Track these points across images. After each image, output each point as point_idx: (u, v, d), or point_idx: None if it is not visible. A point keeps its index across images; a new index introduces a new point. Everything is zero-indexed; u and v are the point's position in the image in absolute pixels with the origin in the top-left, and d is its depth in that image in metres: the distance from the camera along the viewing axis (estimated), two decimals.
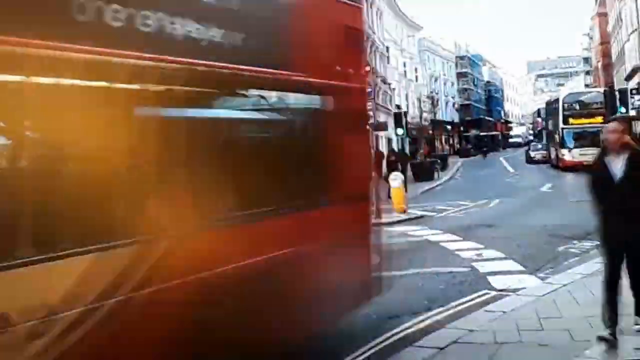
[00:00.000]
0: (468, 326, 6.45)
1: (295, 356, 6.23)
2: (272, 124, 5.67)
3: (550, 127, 45.83)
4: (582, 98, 40.90)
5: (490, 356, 5.41)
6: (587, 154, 36.05)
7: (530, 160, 50.78)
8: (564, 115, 38.90)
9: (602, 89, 41.43)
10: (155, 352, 4.00)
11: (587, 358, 5.13)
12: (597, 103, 37.14)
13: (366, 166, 6.84)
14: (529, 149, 55.31)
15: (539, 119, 56.94)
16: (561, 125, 38.80)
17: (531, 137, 74.98)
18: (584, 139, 37.12)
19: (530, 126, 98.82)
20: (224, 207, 4.65)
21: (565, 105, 39.71)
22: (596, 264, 9.18)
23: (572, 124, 38.32)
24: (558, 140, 39.51)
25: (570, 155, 37.23)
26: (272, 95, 5.47)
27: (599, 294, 7.26)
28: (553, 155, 42.33)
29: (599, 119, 36.33)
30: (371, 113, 19.86)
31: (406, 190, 27.28)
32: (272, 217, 5.05)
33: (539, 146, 53.28)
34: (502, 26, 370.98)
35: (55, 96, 3.69)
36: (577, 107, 39.28)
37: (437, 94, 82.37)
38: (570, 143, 37.76)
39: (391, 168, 29.87)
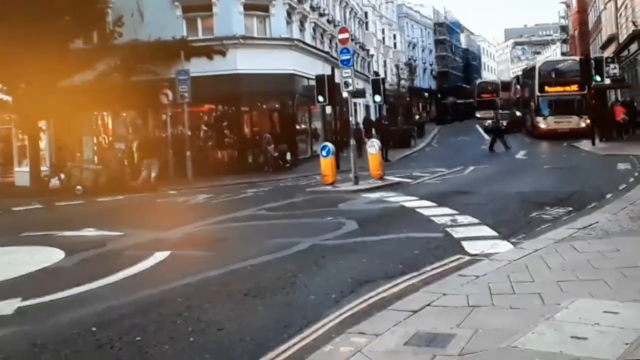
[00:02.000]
0: (442, 290, 6.55)
1: (271, 312, 6.34)
2: None
3: (526, 94, 45.96)
4: (558, 66, 41.07)
5: (462, 319, 5.51)
6: (562, 122, 36.42)
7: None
8: (539, 83, 39.03)
9: (578, 58, 41.49)
10: None
11: (558, 321, 5.24)
12: (572, 71, 37.27)
13: None
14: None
15: (518, 87, 56.43)
16: (537, 93, 38.95)
17: None
18: (559, 107, 37.39)
19: None
20: None
21: (542, 73, 39.84)
22: (567, 230, 9.38)
23: (547, 92, 38.49)
24: (533, 108, 39.69)
25: (545, 122, 37.51)
26: None
27: (569, 259, 7.44)
28: (528, 123, 42.53)
29: (575, 87, 36.54)
30: (350, 80, 19.81)
31: (387, 159, 27.43)
32: None
33: (509, 113, 50.32)
34: None
35: None
36: (553, 75, 39.47)
37: (415, 61, 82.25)
38: (546, 111, 37.99)
39: (368, 135, 29.96)
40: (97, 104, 27.67)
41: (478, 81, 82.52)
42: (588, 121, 33.56)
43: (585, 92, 34.02)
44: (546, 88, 38.77)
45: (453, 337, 5.08)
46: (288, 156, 28.98)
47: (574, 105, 36.81)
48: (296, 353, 5.26)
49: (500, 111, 52.13)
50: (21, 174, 27.79)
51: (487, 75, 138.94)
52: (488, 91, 70.86)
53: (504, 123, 43.06)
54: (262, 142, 28.62)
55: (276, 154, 28.33)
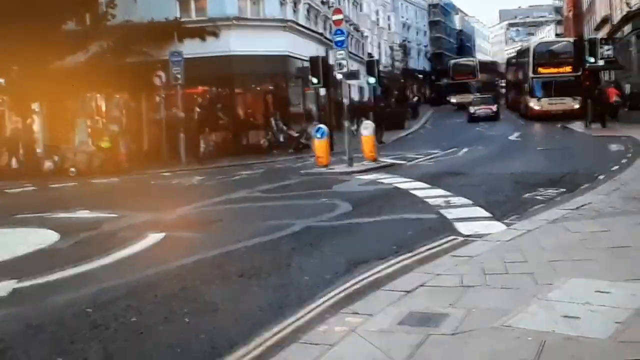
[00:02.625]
0: (435, 270, 6.58)
1: (266, 293, 6.38)
2: None
3: (520, 76, 45.90)
4: (552, 47, 41.02)
5: (456, 299, 5.56)
6: (555, 103, 36.44)
7: (471, 118, 43.02)
8: (534, 64, 39.00)
9: (572, 39, 41.46)
10: None
11: (550, 300, 5.29)
12: (566, 53, 37.29)
13: None
14: (472, 103, 45.12)
15: (513, 67, 55.66)
16: (531, 74, 38.93)
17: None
18: (552, 88, 37.39)
19: None
20: None
21: (536, 54, 39.79)
22: (560, 211, 9.43)
23: (541, 73, 38.47)
24: (527, 90, 39.68)
25: (538, 104, 37.53)
26: None
27: (562, 240, 7.49)
28: (522, 105, 42.52)
29: (568, 68, 36.56)
30: (344, 61, 19.76)
31: (381, 141, 27.44)
32: None
33: (488, 98, 46.20)
34: None
35: None
36: (547, 56, 39.43)
37: (409, 42, 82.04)
38: (539, 92, 37.99)
39: (362, 117, 29.91)
40: (90, 86, 27.54)
41: (452, 61, 73.79)
42: (581, 102, 33.77)
43: (579, 73, 34.09)
44: (540, 69, 38.83)
45: (446, 316, 5.12)
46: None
47: (567, 87, 36.77)
48: (291, 333, 5.30)
49: (481, 95, 51.09)
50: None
51: (481, 57, 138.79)
52: (463, 72, 65.03)
53: (493, 108, 43.24)
54: (274, 122, 28.41)
55: (297, 134, 28.16)
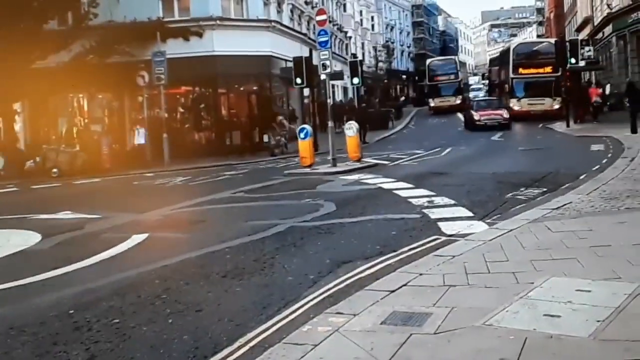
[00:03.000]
0: (418, 270, 6.61)
1: (250, 293, 6.38)
2: None
3: (501, 77, 46.13)
4: (533, 48, 41.29)
5: (439, 298, 5.59)
6: (535, 104, 36.66)
7: (474, 126, 34.12)
8: (514, 65, 39.20)
9: (552, 40, 41.79)
10: None
11: (531, 299, 5.34)
12: (547, 53, 37.53)
13: None
14: (473, 107, 37.06)
15: (495, 68, 55.07)
16: (511, 74, 39.16)
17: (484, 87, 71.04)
18: (532, 88, 37.63)
19: (480, 77, 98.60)
20: None
21: (516, 55, 40.04)
22: (541, 211, 9.50)
23: (521, 74, 38.69)
24: (507, 90, 39.88)
25: (518, 104, 37.70)
26: None
27: (543, 239, 7.55)
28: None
29: (549, 69, 36.85)
30: (328, 62, 19.78)
31: (365, 142, 27.47)
32: None
33: (494, 101, 39.20)
34: None
35: None
36: (528, 57, 39.67)
37: (393, 43, 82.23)
38: (520, 92, 38.20)
39: (347, 118, 29.98)
40: (73, 86, 27.37)
41: (428, 60, 63.99)
42: (561, 103, 34.01)
43: (559, 74, 34.41)
44: (520, 70, 38.94)
45: (429, 315, 5.15)
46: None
47: (547, 87, 36.98)
48: (275, 333, 5.31)
49: (486, 96, 50.60)
50: None
51: (464, 58, 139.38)
52: (442, 73, 56.64)
53: (504, 114, 33.56)
54: (279, 124, 28.25)
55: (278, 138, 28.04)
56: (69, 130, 28.58)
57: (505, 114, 33.80)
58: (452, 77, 56.20)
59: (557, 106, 35.77)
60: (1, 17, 21.82)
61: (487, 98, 45.63)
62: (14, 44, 22.32)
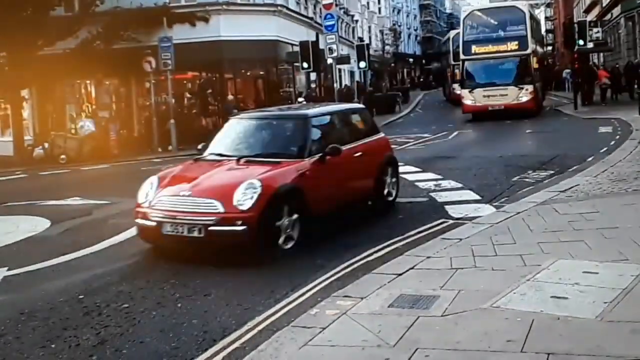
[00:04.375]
0: (425, 253, 6.63)
1: (258, 277, 6.42)
2: None
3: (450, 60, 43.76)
4: (489, 17, 30.54)
5: (446, 281, 5.61)
6: (494, 96, 27.53)
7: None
8: (464, 41, 34.62)
9: (521, 3, 30.04)
10: None
11: (538, 281, 5.35)
12: (510, 23, 28.58)
13: None
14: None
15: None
16: (462, 55, 30.43)
17: None
18: (489, 74, 32.69)
19: None
20: None
21: (467, 27, 30.21)
22: (548, 193, 9.49)
23: (475, 54, 33.72)
24: (458, 77, 37.47)
25: (471, 98, 33.60)
26: None
27: (550, 221, 7.55)
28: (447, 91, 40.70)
29: (513, 45, 27.18)
30: (334, 46, 19.73)
31: None
32: None
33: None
34: None
35: None
36: (482, 29, 29.88)
37: (399, 26, 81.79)
38: (472, 80, 35.54)
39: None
40: (80, 72, 27.32)
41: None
42: (532, 93, 26.74)
43: (529, 51, 27.38)
44: (474, 48, 28.44)
45: (436, 298, 5.18)
46: None
47: (511, 72, 27.44)
48: (283, 317, 5.35)
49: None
50: (4, 144, 27.50)
51: None
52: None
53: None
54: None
55: None
56: (77, 117, 28.65)
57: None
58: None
59: (525, 98, 26.63)
60: (7, 3, 21.79)
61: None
62: (20, 31, 22.31)
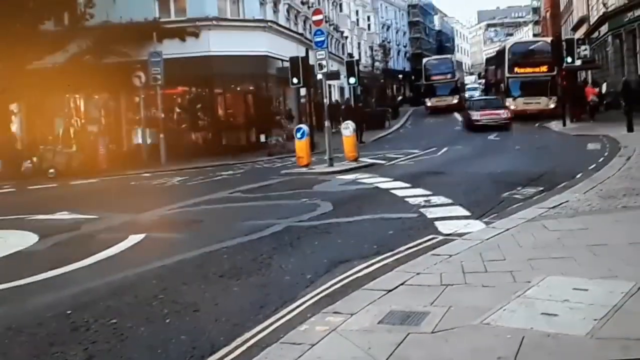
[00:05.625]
0: (415, 269, 6.62)
1: (247, 293, 6.39)
2: None
3: (498, 76, 46.00)
4: (529, 47, 41.28)
5: (436, 297, 5.60)
6: (531, 103, 36.61)
7: (473, 126, 32.59)
8: (509, 64, 39.12)
9: (548, 39, 41.75)
10: None
11: (528, 298, 5.35)
12: (542, 52, 37.50)
13: None
14: (470, 106, 36.29)
15: (491, 68, 53.31)
16: (507, 74, 39.12)
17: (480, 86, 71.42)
18: (528, 88, 37.53)
19: (476, 77, 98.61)
20: None
21: (512, 54, 39.97)
22: (538, 210, 9.52)
23: (517, 73, 38.60)
24: (503, 90, 39.87)
25: (514, 103, 37.56)
26: None
27: (540, 238, 7.56)
28: None
29: (544, 68, 36.83)
30: (324, 62, 19.77)
31: (361, 141, 27.45)
32: None
33: (493, 101, 37.25)
34: None
35: None
36: (523, 56, 39.60)
37: (389, 43, 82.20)
38: (516, 92, 38.09)
39: (343, 118, 29.92)
40: (69, 87, 27.33)
41: (425, 60, 63.25)
42: (557, 102, 33.94)
43: (555, 73, 34.45)
44: (516, 69, 38.86)
45: (426, 315, 5.16)
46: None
47: (543, 86, 36.91)
48: (272, 333, 5.31)
49: (477, 96, 51.41)
50: None
51: (460, 58, 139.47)
52: (439, 72, 55.58)
53: (503, 114, 32.41)
54: (280, 122, 28.17)
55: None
56: (66, 131, 28.53)
57: (504, 114, 32.49)
58: (449, 76, 55.78)
59: (552, 105, 35.76)
60: None
61: (486, 97, 43.99)
62: (10, 45, 22.27)
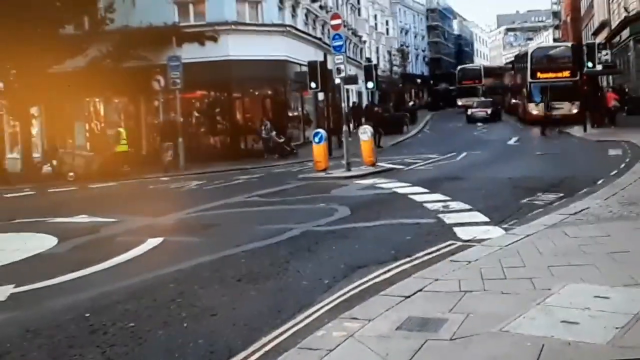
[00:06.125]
0: (433, 275, 6.57)
1: (264, 297, 6.38)
2: None
3: (518, 81, 45.86)
4: (550, 52, 41.03)
5: (454, 304, 5.55)
6: (554, 108, 36.20)
7: (469, 119, 46.70)
8: (532, 69, 38.94)
9: (569, 44, 41.51)
10: None
11: (548, 305, 5.29)
12: (564, 57, 37.30)
13: None
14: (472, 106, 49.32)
15: (511, 72, 55.64)
16: (529, 79, 38.87)
17: None
18: (551, 93, 37.25)
19: None
20: None
21: (534, 59, 39.74)
22: (559, 216, 9.43)
23: (539, 78, 38.39)
24: (526, 94, 39.66)
25: (536, 109, 37.40)
26: None
27: (560, 245, 7.48)
28: (520, 109, 42.52)
29: (566, 73, 36.54)
30: (342, 66, 19.77)
31: (379, 146, 27.40)
32: None
33: (487, 101, 50.36)
34: None
35: None
36: (545, 61, 39.40)
37: (407, 47, 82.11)
38: (537, 97, 37.85)
39: (361, 122, 29.94)
40: (89, 90, 27.59)
41: (459, 67, 74.58)
42: (579, 107, 33.59)
43: (577, 78, 34.07)
44: (538, 74, 38.59)
45: (445, 321, 5.12)
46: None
47: (566, 92, 36.29)
48: (289, 338, 5.29)
49: (482, 98, 52.83)
50: (13, 161, 27.69)
51: (479, 62, 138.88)
52: (469, 77, 65.61)
53: (488, 111, 46.43)
54: (263, 129, 28.45)
55: (282, 140, 28.21)
56: (90, 135, 28.87)
57: (489, 111, 46.51)
58: (477, 81, 65.26)
59: (575, 110, 35.39)
60: (19, 21, 22.00)
61: (482, 100, 52.29)
62: (31, 49, 22.51)
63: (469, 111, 47.48)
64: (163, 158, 24.88)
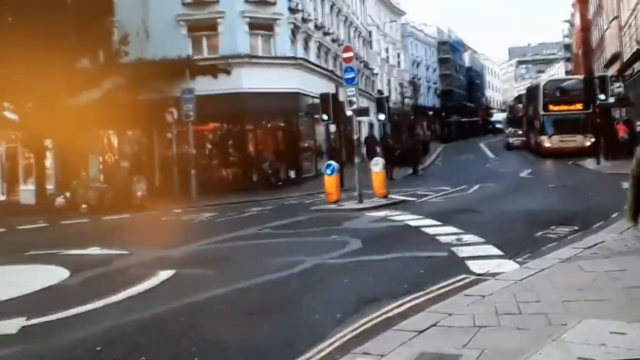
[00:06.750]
0: (447, 310, 6.50)
1: (276, 331, 6.32)
2: None
3: (530, 113, 45.86)
4: (562, 85, 41.03)
5: (469, 339, 5.48)
6: (566, 140, 36.30)
7: (509, 146, 51.44)
8: (544, 102, 38.96)
9: (581, 76, 41.48)
10: None
11: (564, 341, 5.21)
12: (576, 90, 37.25)
13: None
14: (509, 135, 56.07)
15: (519, 105, 56.78)
16: (541, 111, 38.89)
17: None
18: (563, 125, 37.26)
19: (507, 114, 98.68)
20: None
21: (546, 92, 39.78)
22: (573, 249, 9.33)
23: (552, 111, 38.40)
24: (538, 127, 39.63)
25: (549, 141, 37.38)
26: None
27: (575, 279, 7.40)
28: (533, 142, 42.46)
29: (579, 106, 36.42)
30: (354, 98, 19.85)
31: (391, 178, 27.39)
32: None
33: (519, 132, 53.73)
34: (484, 12, 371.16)
35: None
36: (557, 94, 39.41)
37: (419, 79, 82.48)
38: (550, 129, 37.82)
39: (370, 153, 30.01)
40: (103, 122, 27.81)
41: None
42: (592, 140, 33.48)
43: (590, 110, 33.99)
44: (550, 107, 38.61)
45: (459, 357, 5.05)
46: (292, 174, 29.21)
47: (578, 124, 36.33)
48: None
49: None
50: (26, 192, 27.90)
51: (491, 94, 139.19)
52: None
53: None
54: (267, 165, 28.89)
55: (270, 172, 28.50)
56: (104, 167, 29.07)
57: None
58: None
59: (588, 143, 35.12)
60: (36, 54, 22.30)
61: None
62: (46, 81, 22.80)
63: (511, 139, 53.39)
64: (133, 192, 23.44)
